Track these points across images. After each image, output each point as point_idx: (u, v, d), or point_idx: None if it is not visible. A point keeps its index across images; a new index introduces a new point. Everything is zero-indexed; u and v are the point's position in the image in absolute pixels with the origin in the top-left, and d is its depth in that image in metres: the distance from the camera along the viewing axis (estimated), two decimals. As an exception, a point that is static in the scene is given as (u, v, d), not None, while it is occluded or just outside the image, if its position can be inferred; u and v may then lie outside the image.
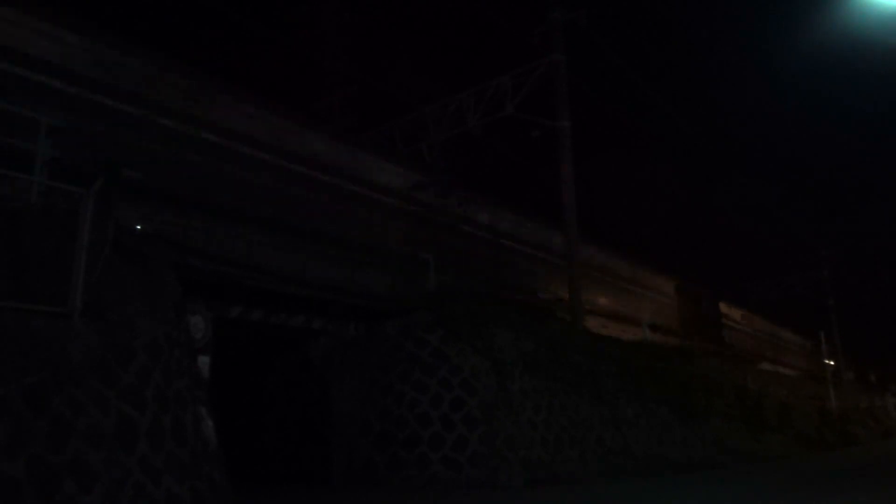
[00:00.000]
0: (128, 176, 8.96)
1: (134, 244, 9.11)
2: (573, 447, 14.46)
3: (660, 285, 33.60)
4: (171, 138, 12.97)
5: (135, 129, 12.33)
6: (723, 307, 37.19)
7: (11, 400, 5.88)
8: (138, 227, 10.34)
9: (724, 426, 21.07)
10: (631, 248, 31.38)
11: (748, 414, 23.71)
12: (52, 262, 7.08)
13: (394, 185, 18.47)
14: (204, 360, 10.62)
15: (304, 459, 14.04)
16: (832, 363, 40.31)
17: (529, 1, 21.40)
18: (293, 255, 14.06)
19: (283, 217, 14.75)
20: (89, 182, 7.37)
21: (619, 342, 20.08)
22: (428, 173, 20.44)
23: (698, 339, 30.25)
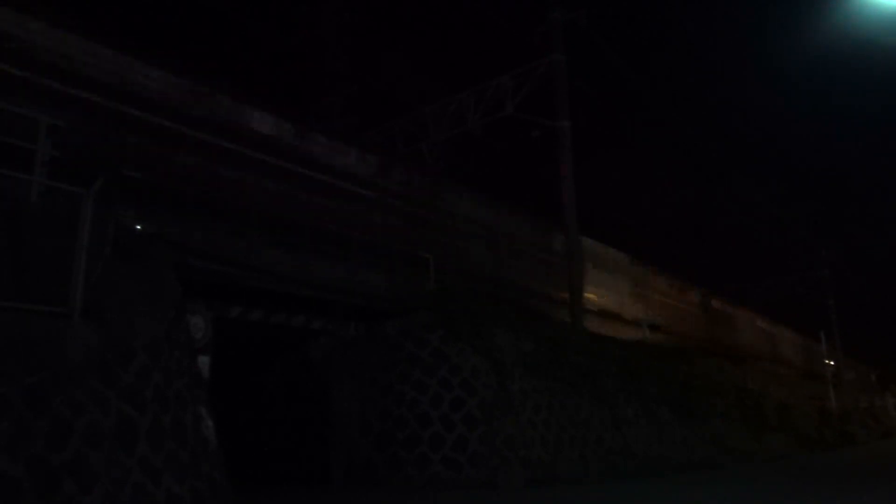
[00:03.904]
0: (128, 175, 8.97)
1: (134, 244, 9.11)
2: (573, 447, 14.45)
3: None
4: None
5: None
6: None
7: (11, 400, 5.88)
8: (138, 226, 10.33)
9: (724, 426, 21.07)
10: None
11: (748, 414, 23.72)
12: (52, 262, 7.07)
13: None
14: (204, 360, 10.63)
15: (304, 459, 14.04)
16: (832, 363, 40.30)
17: (529, 1, 21.40)
18: (294, 253, 14.04)
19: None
20: (89, 182, 7.37)
21: (619, 342, 20.08)
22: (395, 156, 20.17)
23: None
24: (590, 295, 22.00)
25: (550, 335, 16.14)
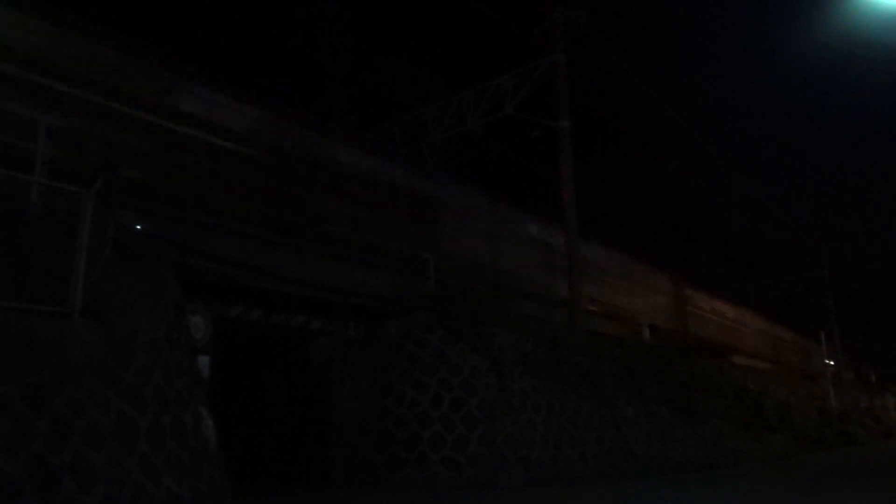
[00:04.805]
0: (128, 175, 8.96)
1: (134, 244, 9.11)
2: (573, 447, 14.46)
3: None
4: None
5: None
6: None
7: (11, 400, 5.88)
8: (138, 226, 10.33)
9: (724, 426, 21.07)
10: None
11: (748, 414, 23.72)
12: (52, 262, 7.07)
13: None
14: (204, 360, 10.63)
15: (304, 459, 14.04)
16: (832, 363, 40.27)
17: (529, 1, 21.42)
18: (294, 254, 14.03)
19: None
20: (89, 182, 7.37)
21: (619, 342, 20.08)
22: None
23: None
24: None
25: (550, 335, 16.14)
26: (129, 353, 7.52)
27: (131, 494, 6.78)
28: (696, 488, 12.80)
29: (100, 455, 6.58)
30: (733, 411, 22.58)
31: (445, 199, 18.32)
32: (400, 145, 22.37)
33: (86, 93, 10.79)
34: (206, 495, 7.99)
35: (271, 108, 14.96)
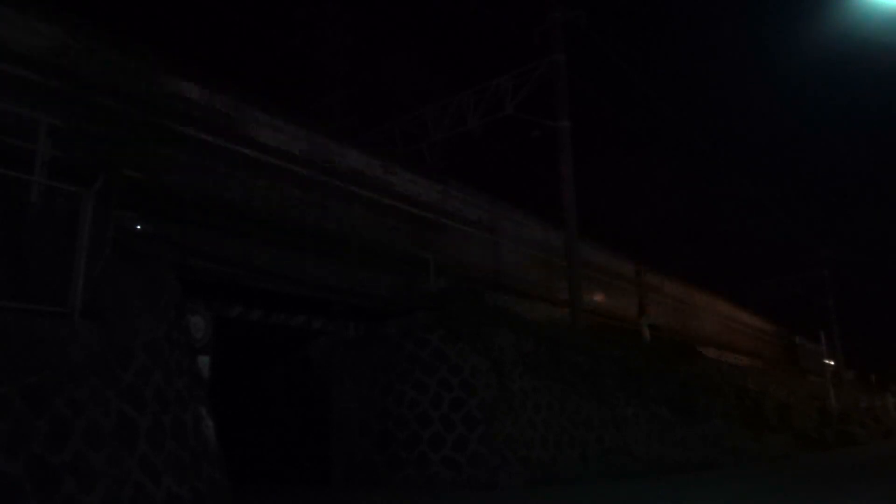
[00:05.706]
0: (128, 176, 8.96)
1: (134, 244, 9.11)
2: (573, 447, 14.46)
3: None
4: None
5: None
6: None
7: (11, 400, 5.88)
8: (138, 226, 10.33)
9: (724, 426, 21.06)
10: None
11: (748, 414, 23.72)
12: (52, 262, 7.07)
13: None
14: (204, 360, 10.62)
15: (304, 459, 14.03)
16: (832, 363, 40.27)
17: (529, 1, 21.42)
18: (294, 254, 14.02)
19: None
20: (89, 182, 7.37)
21: (619, 342, 20.07)
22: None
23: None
24: None
25: (550, 335, 16.13)
26: (129, 353, 7.52)
27: (131, 494, 6.79)
28: (697, 488, 12.80)
29: (100, 455, 6.58)
30: (733, 411, 22.57)
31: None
32: (400, 145, 22.38)
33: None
34: (206, 495, 7.99)
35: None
